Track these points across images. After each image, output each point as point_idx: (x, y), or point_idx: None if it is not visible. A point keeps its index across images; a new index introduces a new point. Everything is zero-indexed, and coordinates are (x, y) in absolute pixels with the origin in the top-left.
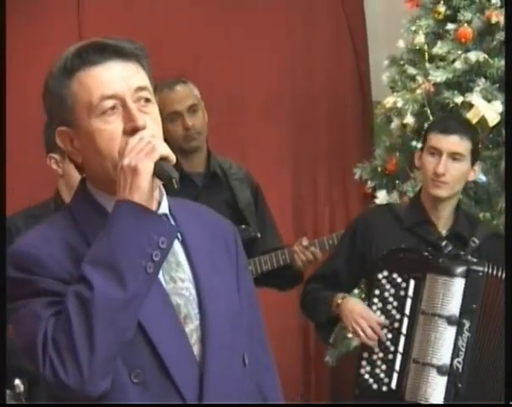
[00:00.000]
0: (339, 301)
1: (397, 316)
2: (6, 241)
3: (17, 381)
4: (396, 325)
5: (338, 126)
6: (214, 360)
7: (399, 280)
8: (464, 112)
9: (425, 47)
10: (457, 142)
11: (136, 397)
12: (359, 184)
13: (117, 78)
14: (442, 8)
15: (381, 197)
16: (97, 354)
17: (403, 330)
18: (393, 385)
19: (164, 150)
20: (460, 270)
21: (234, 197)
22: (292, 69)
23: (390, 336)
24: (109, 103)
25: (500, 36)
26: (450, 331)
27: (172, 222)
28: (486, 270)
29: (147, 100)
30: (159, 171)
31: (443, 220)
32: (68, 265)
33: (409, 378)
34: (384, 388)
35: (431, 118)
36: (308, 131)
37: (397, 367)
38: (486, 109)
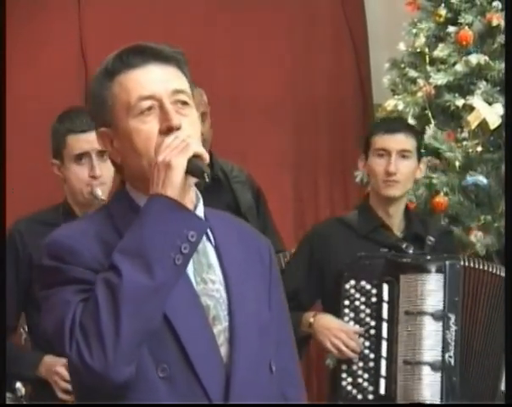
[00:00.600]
0: (311, 320)
1: (372, 323)
2: (6, 242)
3: (18, 385)
4: (372, 332)
5: (339, 129)
6: (242, 362)
7: (368, 287)
8: (465, 115)
9: (426, 50)
10: (404, 140)
11: (161, 391)
12: (360, 187)
13: (155, 80)
14: (442, 11)
15: None
16: (122, 340)
17: (384, 334)
18: (382, 391)
19: (198, 148)
20: (436, 265)
21: (235, 199)
22: (292, 72)
23: (367, 343)
24: (147, 103)
25: (501, 38)
26: (437, 327)
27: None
28: (461, 262)
29: (185, 103)
30: (192, 167)
31: (397, 223)
32: (100, 257)
33: (398, 381)
34: (370, 397)
35: (432, 121)
36: (308, 134)
37: (383, 373)
38: (487, 112)
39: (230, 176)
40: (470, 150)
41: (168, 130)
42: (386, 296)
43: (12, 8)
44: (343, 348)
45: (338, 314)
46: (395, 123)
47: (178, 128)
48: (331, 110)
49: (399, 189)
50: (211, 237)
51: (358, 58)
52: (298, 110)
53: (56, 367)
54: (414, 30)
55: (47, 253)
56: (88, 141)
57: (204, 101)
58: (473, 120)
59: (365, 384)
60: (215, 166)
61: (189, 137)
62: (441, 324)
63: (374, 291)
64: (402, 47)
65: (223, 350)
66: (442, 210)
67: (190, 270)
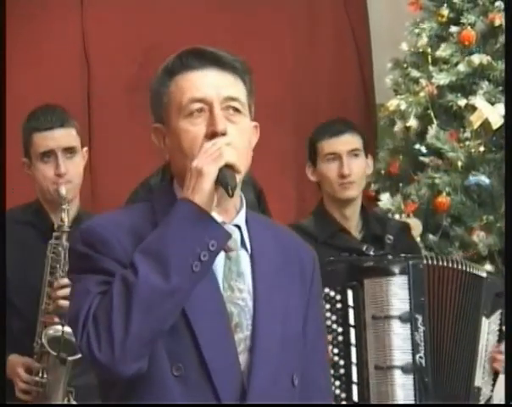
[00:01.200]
0: None
1: (340, 329)
2: (6, 242)
3: None
4: (340, 338)
5: None
6: (260, 372)
7: (332, 293)
8: (467, 115)
9: (429, 50)
10: (351, 140)
11: (174, 390)
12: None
13: (209, 84)
14: (445, 11)
15: (385, 200)
16: (130, 337)
17: (352, 340)
18: (355, 397)
19: (231, 158)
20: (399, 267)
21: None
22: (294, 72)
23: (336, 350)
24: (197, 105)
25: (503, 38)
26: (405, 329)
27: (245, 234)
28: (425, 262)
29: (237, 110)
30: (220, 176)
31: (354, 225)
32: (131, 251)
33: (370, 386)
34: (343, 403)
35: (434, 121)
36: (310, 133)
37: (354, 379)
38: (489, 112)
39: None
40: (473, 150)
41: (212, 134)
42: (351, 301)
43: (13, 8)
44: None
45: None
46: (338, 125)
47: (223, 134)
48: (333, 110)
49: (355, 189)
50: (247, 245)
51: (360, 58)
52: (300, 110)
53: (17, 368)
54: (417, 30)
55: (81, 239)
56: (53, 138)
57: None
58: (475, 120)
59: (337, 391)
60: None
61: (229, 145)
62: (409, 326)
63: (338, 297)
64: (404, 47)
65: (242, 358)
66: (444, 210)
67: (220, 276)
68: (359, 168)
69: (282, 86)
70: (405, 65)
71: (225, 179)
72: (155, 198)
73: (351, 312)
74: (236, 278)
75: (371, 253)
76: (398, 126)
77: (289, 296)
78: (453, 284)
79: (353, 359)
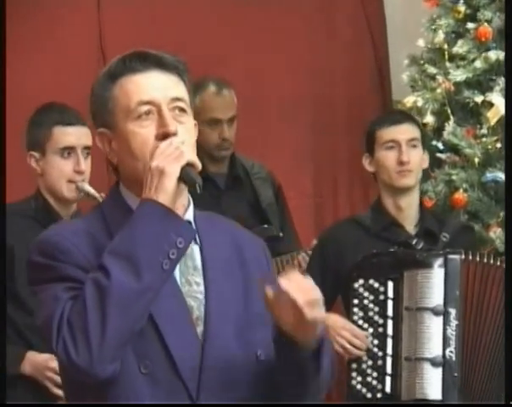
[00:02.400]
0: None
1: (381, 321)
2: (6, 241)
3: None
4: (380, 329)
5: (358, 125)
6: (213, 360)
7: (376, 285)
8: (484, 111)
9: (445, 47)
10: (411, 129)
11: (143, 387)
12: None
13: (155, 86)
14: (461, 7)
15: None
16: (107, 339)
17: (389, 332)
18: (387, 389)
19: (192, 156)
20: (438, 260)
21: (256, 195)
22: (311, 69)
23: (376, 342)
24: (145, 108)
25: None
26: (437, 322)
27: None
28: (462, 256)
29: (183, 110)
30: (185, 176)
31: (409, 219)
32: (91, 257)
33: (402, 378)
34: (379, 395)
35: (451, 117)
36: (328, 130)
37: (388, 370)
38: None
39: (250, 173)
40: (490, 146)
41: (164, 135)
42: (390, 293)
43: (30, 3)
44: (348, 346)
45: (348, 312)
46: (398, 114)
47: (174, 134)
48: (350, 107)
49: (413, 178)
50: (198, 240)
51: (377, 55)
52: (317, 108)
53: (47, 372)
54: (433, 27)
55: (38, 250)
56: (76, 134)
57: (235, 103)
58: (492, 117)
59: (374, 382)
60: (236, 163)
61: (183, 144)
62: (441, 319)
63: (381, 288)
64: (421, 43)
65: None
66: (461, 207)
67: (176, 271)
68: (417, 157)
69: (299, 83)
70: (422, 62)
71: (190, 177)
72: (104, 204)
73: (390, 304)
74: (192, 272)
75: (419, 247)
76: None
77: (244, 281)
78: (492, 281)
79: (389, 350)
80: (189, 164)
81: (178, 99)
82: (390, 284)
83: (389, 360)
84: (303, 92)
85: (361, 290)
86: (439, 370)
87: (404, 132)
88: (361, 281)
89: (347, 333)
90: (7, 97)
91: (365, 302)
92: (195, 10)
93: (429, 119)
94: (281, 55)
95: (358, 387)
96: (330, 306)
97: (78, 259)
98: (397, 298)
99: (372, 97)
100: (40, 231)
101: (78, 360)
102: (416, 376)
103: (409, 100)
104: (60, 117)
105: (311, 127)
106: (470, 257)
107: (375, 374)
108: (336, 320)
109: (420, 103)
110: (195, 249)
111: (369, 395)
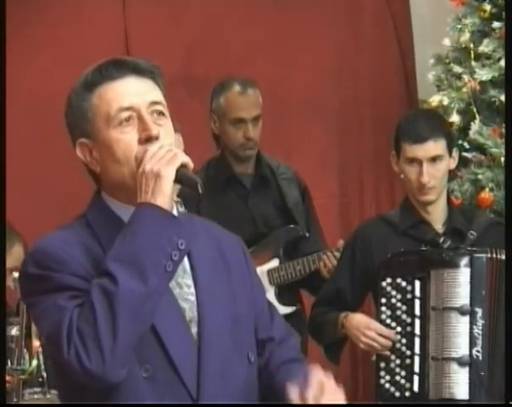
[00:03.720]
0: (343, 321)
1: (408, 320)
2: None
3: None
4: (408, 328)
5: (384, 125)
6: (210, 360)
7: (404, 284)
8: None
9: (471, 46)
10: (433, 147)
11: (144, 390)
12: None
13: (133, 92)
14: (487, 6)
15: None
16: (118, 344)
17: (417, 331)
18: (415, 387)
19: (184, 157)
20: (464, 259)
21: (282, 196)
22: (336, 69)
23: (404, 341)
24: (126, 114)
25: None
26: (464, 322)
27: None
28: (488, 255)
29: (161, 114)
30: (182, 177)
31: (437, 217)
32: (86, 264)
33: (430, 377)
34: (407, 394)
35: (477, 116)
36: (353, 131)
37: (416, 369)
38: None
39: (276, 173)
40: None
41: (147, 139)
42: (418, 292)
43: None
44: (374, 345)
45: (377, 311)
46: (422, 128)
47: (157, 137)
48: (375, 107)
49: (434, 194)
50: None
51: (402, 54)
52: (343, 107)
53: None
54: (459, 26)
55: (33, 261)
56: None
57: (260, 103)
58: None
59: (402, 381)
60: (262, 163)
61: (170, 146)
62: (468, 318)
63: (408, 287)
64: (447, 42)
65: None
66: (487, 206)
67: None
68: (440, 172)
69: (324, 83)
70: (447, 61)
71: (189, 178)
72: (87, 212)
73: (417, 303)
74: (182, 275)
75: (446, 246)
76: None
77: (229, 282)
78: None
79: (417, 349)
80: (183, 166)
81: (156, 103)
82: (417, 283)
83: (417, 359)
84: (328, 92)
85: (389, 289)
86: (466, 370)
87: (427, 151)
88: (389, 280)
89: (373, 333)
90: (35, 96)
91: (393, 301)
92: (220, 10)
93: (455, 118)
94: (306, 55)
95: (387, 385)
96: (359, 304)
97: (74, 267)
98: (424, 298)
99: (398, 96)
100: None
101: (91, 367)
102: (443, 375)
103: (435, 99)
104: None
105: (337, 127)
106: (496, 255)
107: (403, 373)
108: (360, 320)
109: (445, 103)
110: None
111: (397, 394)
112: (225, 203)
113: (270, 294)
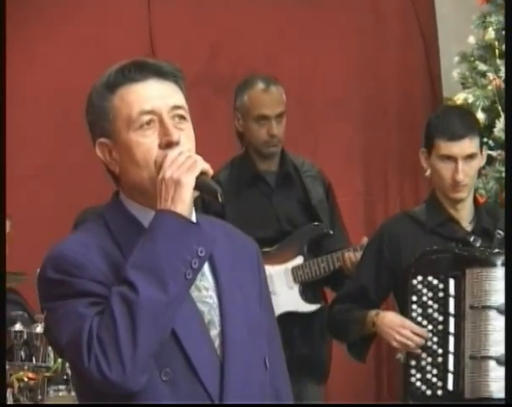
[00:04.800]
0: (374, 319)
1: (440, 318)
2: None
3: None
4: (440, 327)
5: (409, 122)
6: (235, 364)
7: (435, 282)
8: None
9: (496, 44)
10: (469, 145)
11: (164, 394)
12: (430, 180)
13: (155, 95)
14: None
15: None
16: (139, 352)
17: (451, 329)
18: (450, 386)
19: (204, 164)
20: (501, 259)
21: (306, 193)
22: (362, 67)
23: (435, 339)
24: (147, 117)
25: None
26: (501, 321)
27: None
28: None
29: (183, 118)
30: (202, 185)
31: (465, 215)
32: (105, 269)
33: (466, 376)
34: (439, 392)
35: (501, 114)
36: (378, 128)
37: (450, 368)
38: None
39: (301, 171)
40: None
41: (167, 144)
42: (452, 290)
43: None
44: (409, 343)
45: (407, 310)
46: (457, 126)
47: (177, 143)
48: (400, 104)
49: (466, 191)
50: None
51: (428, 52)
52: (368, 105)
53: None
54: (484, 24)
55: (52, 266)
56: None
57: (284, 100)
58: None
59: (434, 379)
60: (286, 161)
61: (190, 152)
62: (504, 317)
63: (441, 286)
64: (471, 40)
65: (219, 352)
66: None
67: None
68: (474, 170)
69: (350, 82)
70: (472, 59)
71: (209, 186)
72: (106, 215)
73: (451, 301)
74: (200, 278)
75: (477, 244)
76: None
77: (244, 286)
78: None
79: (451, 348)
80: (202, 173)
81: (178, 107)
82: (451, 281)
83: (451, 358)
84: (352, 90)
85: (420, 287)
86: (503, 369)
87: (463, 149)
88: (420, 278)
89: (407, 331)
90: (63, 95)
91: (424, 299)
92: (244, 8)
93: (479, 116)
94: (330, 53)
95: (418, 384)
96: (382, 302)
97: (93, 273)
98: (458, 296)
99: (422, 94)
100: None
101: (112, 376)
102: (481, 374)
103: (460, 97)
104: None
105: (361, 125)
106: None
107: (434, 371)
108: (394, 319)
109: (470, 100)
110: None
111: (428, 392)
112: (250, 201)
113: (295, 292)
